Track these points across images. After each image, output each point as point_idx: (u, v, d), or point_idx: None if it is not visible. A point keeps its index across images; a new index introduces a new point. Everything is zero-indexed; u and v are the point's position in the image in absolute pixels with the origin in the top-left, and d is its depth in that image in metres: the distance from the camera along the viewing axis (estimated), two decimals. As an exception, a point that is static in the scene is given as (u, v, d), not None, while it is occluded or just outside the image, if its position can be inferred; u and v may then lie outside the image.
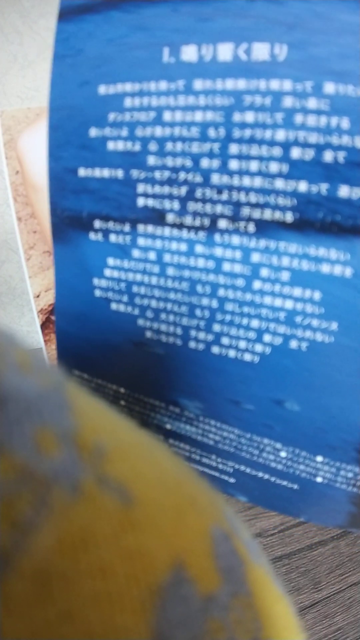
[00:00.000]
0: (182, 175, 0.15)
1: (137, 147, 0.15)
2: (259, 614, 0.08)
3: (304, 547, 0.28)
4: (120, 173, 0.16)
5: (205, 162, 0.14)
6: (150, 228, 0.16)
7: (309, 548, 0.28)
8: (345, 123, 0.12)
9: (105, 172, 0.16)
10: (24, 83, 0.33)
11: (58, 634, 0.06)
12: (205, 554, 0.08)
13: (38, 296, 0.29)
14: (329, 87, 0.12)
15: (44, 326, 0.30)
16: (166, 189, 0.15)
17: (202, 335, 0.17)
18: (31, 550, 0.06)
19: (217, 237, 0.15)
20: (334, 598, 0.26)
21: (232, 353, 0.16)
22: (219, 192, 0.14)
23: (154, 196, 0.15)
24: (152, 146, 0.15)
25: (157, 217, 0.16)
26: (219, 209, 0.15)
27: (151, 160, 0.15)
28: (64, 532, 0.06)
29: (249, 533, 0.10)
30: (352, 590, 0.26)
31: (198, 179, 0.14)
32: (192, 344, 0.17)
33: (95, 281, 0.18)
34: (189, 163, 0.14)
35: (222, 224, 0.15)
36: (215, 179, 0.14)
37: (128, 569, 0.06)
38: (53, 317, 0.30)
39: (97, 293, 0.18)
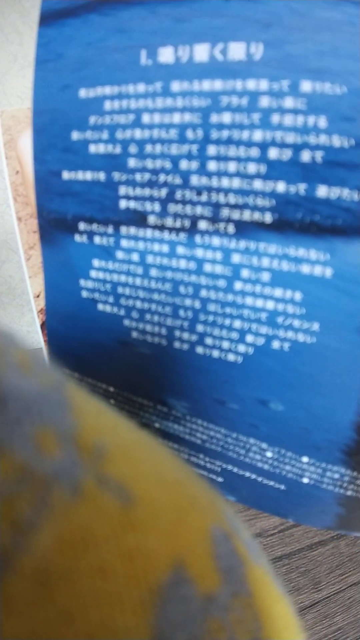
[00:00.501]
0: (162, 177, 0.15)
1: (118, 149, 0.15)
2: (259, 614, 0.08)
3: (304, 547, 0.28)
4: (102, 176, 0.16)
5: (184, 164, 0.14)
6: (132, 230, 0.16)
7: (309, 548, 0.28)
8: (322, 122, 0.12)
9: (88, 175, 0.16)
10: (24, 83, 0.33)
11: (58, 634, 0.06)
12: (205, 554, 0.08)
13: (38, 296, 0.30)
14: (306, 86, 0.12)
15: (44, 326, 0.30)
16: (147, 191, 0.15)
17: (186, 335, 0.17)
18: (31, 550, 0.06)
19: (197, 239, 0.15)
20: (334, 598, 0.26)
21: (215, 353, 0.16)
22: (199, 193, 0.14)
23: (135, 198, 0.15)
24: (132, 148, 0.15)
25: (138, 218, 0.16)
26: (198, 210, 0.15)
27: (131, 162, 0.15)
28: (64, 532, 0.06)
29: (249, 533, 0.10)
30: (352, 590, 0.26)
31: (177, 180, 0.14)
32: (176, 344, 0.17)
33: (82, 282, 0.18)
34: (168, 165, 0.14)
35: (202, 225, 0.15)
36: (195, 180, 0.14)
37: (128, 569, 0.06)
38: None
39: (84, 294, 0.18)
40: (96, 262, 0.17)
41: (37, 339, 0.30)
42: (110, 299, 0.18)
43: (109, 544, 0.06)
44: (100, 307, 0.18)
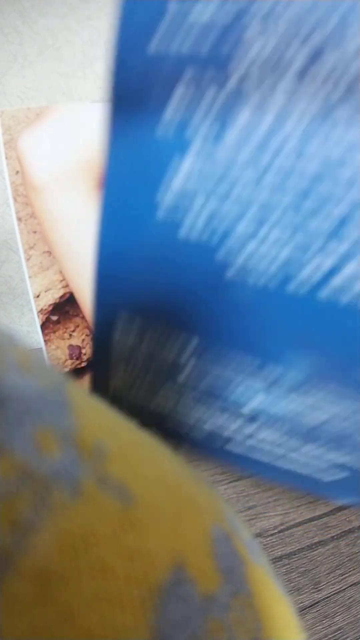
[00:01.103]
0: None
1: None
2: (259, 614, 0.08)
3: (304, 547, 0.28)
4: (224, 16, 0.11)
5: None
6: (243, 117, 0.11)
7: (309, 548, 0.28)
8: None
9: (206, 13, 0.11)
10: (24, 83, 0.33)
11: (58, 634, 0.06)
12: (205, 554, 0.08)
13: (38, 296, 0.29)
14: None
15: (44, 326, 0.30)
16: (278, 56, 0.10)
17: (306, 273, 0.12)
18: (31, 550, 0.06)
19: (332, 127, 0.11)
20: (334, 598, 0.26)
21: (345, 298, 0.12)
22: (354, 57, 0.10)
23: (251, 78, 0.11)
24: None
25: (253, 101, 0.11)
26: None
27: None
28: (64, 532, 0.06)
29: (249, 533, 0.10)
30: (352, 590, 0.26)
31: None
32: (291, 286, 0.13)
33: (161, 196, 0.13)
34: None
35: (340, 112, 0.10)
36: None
37: (128, 569, 0.06)
38: (53, 317, 0.30)
39: (161, 214, 0.13)
40: (186, 165, 0.12)
41: (37, 339, 0.30)
42: (200, 222, 0.13)
43: (109, 544, 0.06)
44: (183, 233, 0.13)
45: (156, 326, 0.16)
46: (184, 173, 0.13)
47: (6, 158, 0.25)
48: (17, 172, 0.26)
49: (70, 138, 0.25)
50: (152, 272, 0.15)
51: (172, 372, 0.16)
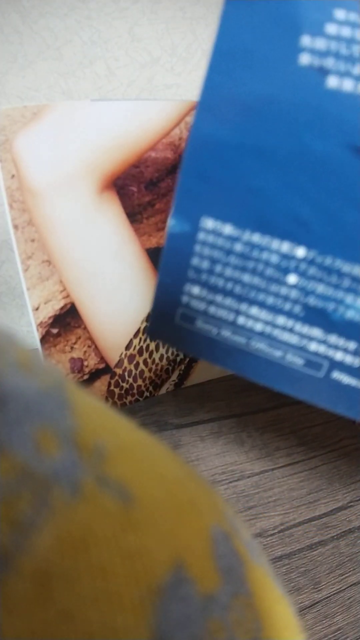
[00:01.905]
0: None
1: None
2: (259, 614, 0.08)
3: (304, 547, 0.28)
4: None
5: None
6: None
7: (309, 548, 0.28)
8: None
9: None
10: (24, 83, 0.33)
11: (58, 634, 0.06)
12: (205, 554, 0.08)
13: (37, 309, 0.28)
14: None
15: (43, 340, 0.29)
16: None
17: None
18: (31, 550, 0.06)
19: None
20: (334, 598, 0.26)
21: None
22: None
23: None
24: None
25: None
26: None
27: None
28: (64, 532, 0.06)
29: (249, 533, 0.10)
30: (352, 590, 0.26)
31: None
32: None
33: (306, 41, 0.10)
34: None
35: None
36: None
37: (128, 569, 0.06)
38: (53, 330, 0.29)
39: (304, 60, 0.11)
40: (340, 14, 0.10)
41: (37, 339, 0.29)
42: (357, 69, 0.10)
43: (109, 543, 0.06)
44: (332, 82, 0.10)
45: (246, 236, 0.13)
46: (339, 20, 0.10)
47: (0, 161, 0.24)
48: (13, 176, 0.24)
49: (70, 138, 0.24)
50: (260, 155, 0.12)
51: (268, 288, 0.14)
